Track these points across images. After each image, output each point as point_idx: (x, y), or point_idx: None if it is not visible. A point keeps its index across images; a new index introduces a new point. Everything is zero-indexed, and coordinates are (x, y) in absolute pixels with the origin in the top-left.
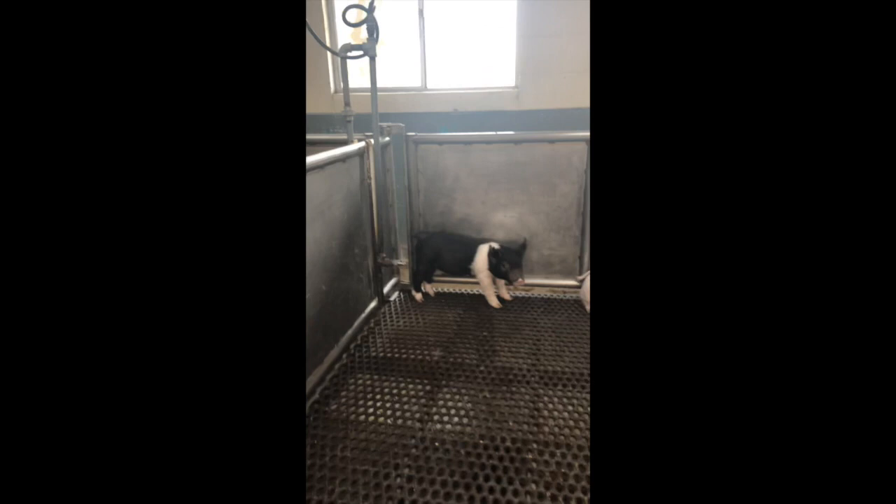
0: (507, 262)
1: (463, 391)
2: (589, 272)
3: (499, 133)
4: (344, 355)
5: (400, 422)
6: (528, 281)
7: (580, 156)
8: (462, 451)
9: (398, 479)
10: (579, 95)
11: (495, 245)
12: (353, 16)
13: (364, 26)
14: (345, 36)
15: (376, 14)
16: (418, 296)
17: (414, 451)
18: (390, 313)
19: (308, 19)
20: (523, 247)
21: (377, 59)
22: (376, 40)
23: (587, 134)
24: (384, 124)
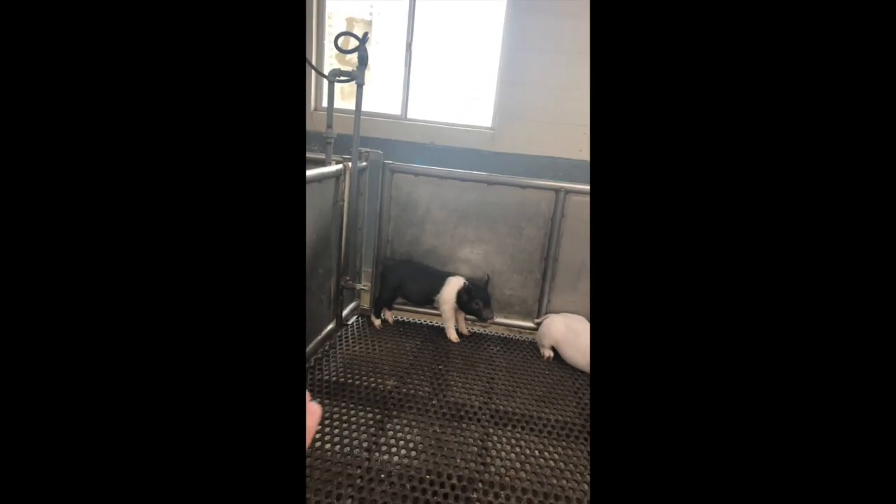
0: (479, 299)
1: (413, 423)
2: (547, 315)
3: (473, 172)
4: None
5: (347, 450)
6: None
7: (549, 203)
8: (408, 486)
9: None
10: (551, 144)
11: (465, 282)
12: (343, 42)
13: (355, 54)
14: (331, 55)
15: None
16: (377, 322)
17: (359, 481)
18: (347, 337)
19: None
20: (487, 283)
21: (364, 86)
22: (365, 68)
23: (557, 184)
24: (363, 149)
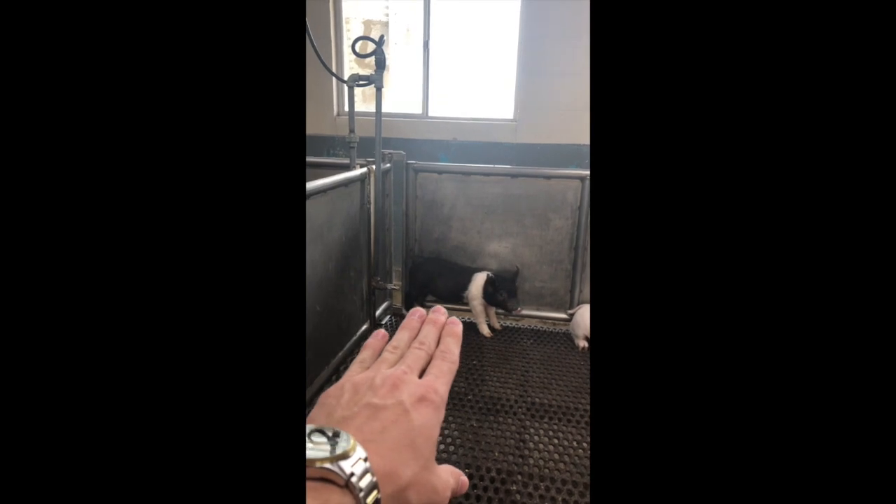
0: (504, 290)
1: (450, 418)
2: (580, 306)
3: (497, 166)
4: (333, 377)
5: None
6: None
7: (575, 192)
8: None
9: None
10: (575, 132)
11: (491, 274)
12: (361, 46)
13: (373, 58)
14: (350, 61)
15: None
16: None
17: None
18: None
19: (318, 47)
20: (515, 275)
21: (383, 88)
22: (383, 71)
23: (583, 172)
24: (386, 151)
